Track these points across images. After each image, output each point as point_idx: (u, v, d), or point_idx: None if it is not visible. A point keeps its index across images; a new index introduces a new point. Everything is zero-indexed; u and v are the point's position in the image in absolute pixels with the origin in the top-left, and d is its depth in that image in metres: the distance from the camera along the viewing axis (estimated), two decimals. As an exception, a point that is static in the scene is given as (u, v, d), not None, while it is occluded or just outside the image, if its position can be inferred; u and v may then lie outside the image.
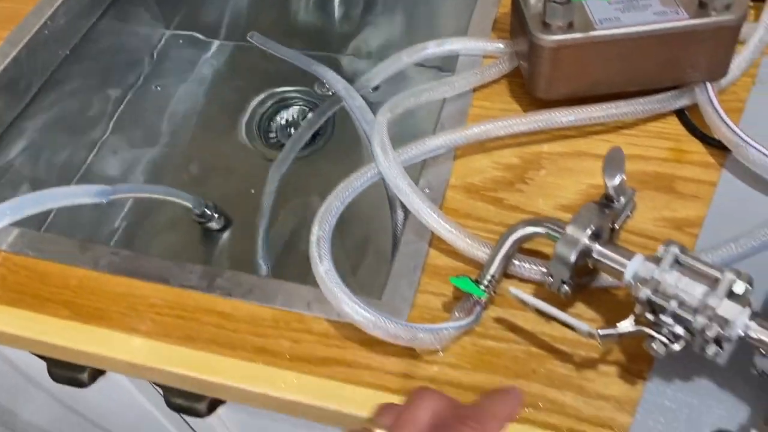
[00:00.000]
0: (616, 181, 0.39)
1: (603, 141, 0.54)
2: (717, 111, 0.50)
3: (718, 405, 0.40)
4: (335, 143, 0.80)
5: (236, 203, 0.74)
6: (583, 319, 0.45)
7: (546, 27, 0.50)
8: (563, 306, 0.45)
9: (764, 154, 0.47)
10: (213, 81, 0.87)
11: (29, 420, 0.87)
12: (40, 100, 0.70)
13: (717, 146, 0.51)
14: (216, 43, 0.90)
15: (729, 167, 0.50)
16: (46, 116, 0.71)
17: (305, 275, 0.46)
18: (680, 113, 0.54)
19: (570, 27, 0.50)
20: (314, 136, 0.79)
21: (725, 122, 0.49)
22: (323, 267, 0.44)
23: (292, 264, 0.70)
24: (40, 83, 0.70)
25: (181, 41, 0.90)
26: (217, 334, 0.47)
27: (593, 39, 0.49)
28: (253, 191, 0.74)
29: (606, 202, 0.41)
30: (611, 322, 0.40)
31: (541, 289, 0.46)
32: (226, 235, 0.73)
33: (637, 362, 0.42)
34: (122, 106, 0.82)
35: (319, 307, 0.47)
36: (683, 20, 0.48)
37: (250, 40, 0.76)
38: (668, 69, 0.51)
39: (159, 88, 0.85)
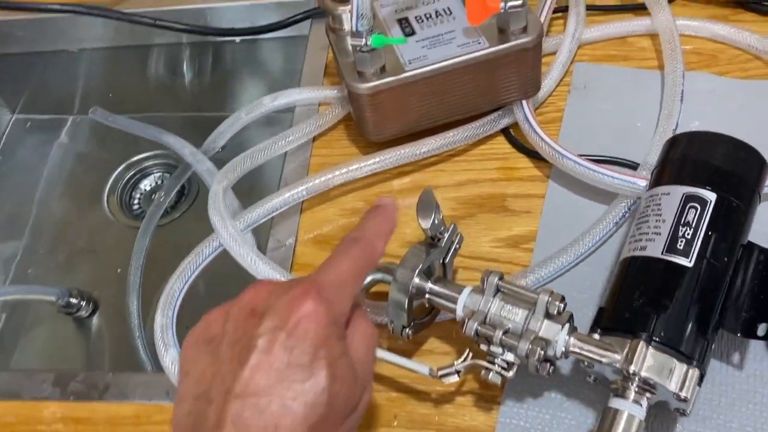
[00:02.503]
0: (429, 222, 0.41)
1: (439, 171, 0.56)
2: (533, 126, 0.53)
3: (568, 415, 0.42)
4: (202, 201, 0.79)
5: (106, 284, 0.72)
6: (436, 353, 0.46)
7: (361, 75, 0.51)
8: (417, 344, 0.47)
9: (577, 162, 0.50)
10: (69, 160, 0.84)
11: None
12: None
13: (541, 158, 0.54)
14: (68, 120, 0.87)
15: (554, 177, 0.53)
16: None
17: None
18: (506, 132, 0.57)
19: (383, 71, 0.51)
20: (179, 199, 0.79)
21: (540, 136, 0.52)
22: (169, 357, 0.43)
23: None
24: None
25: (29, 124, 0.87)
26: (78, 443, 0.45)
27: (405, 80, 0.51)
28: (119, 270, 0.72)
29: (431, 241, 0.43)
30: (462, 352, 0.41)
31: (394, 332, 0.47)
32: (99, 320, 0.71)
33: (490, 388, 0.44)
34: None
35: (179, 393, 0.46)
36: (485, 49, 0.51)
37: (92, 115, 0.74)
38: (484, 94, 0.54)
39: (12, 176, 0.82)
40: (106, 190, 0.80)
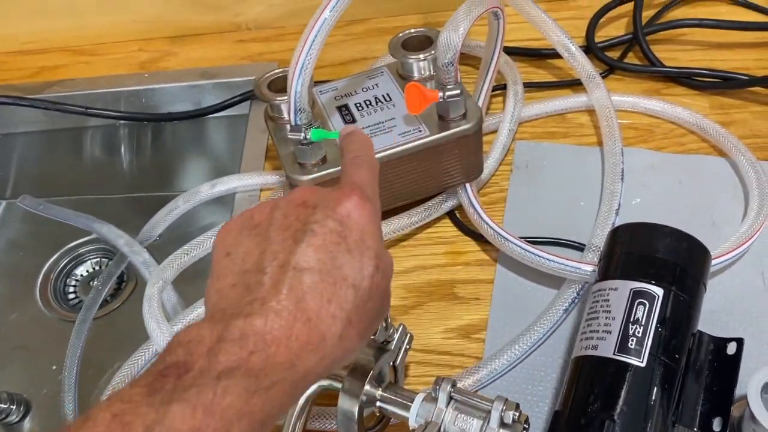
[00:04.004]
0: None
1: (386, 257, 0.54)
2: (477, 211, 0.52)
3: None
4: (143, 287, 0.76)
5: (39, 383, 0.68)
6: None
7: (302, 166, 0.50)
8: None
9: (522, 248, 0.49)
10: (1, 247, 0.80)
11: None
12: None
13: (488, 241, 0.53)
14: (2, 205, 0.83)
15: (502, 261, 0.53)
16: None
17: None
18: (452, 215, 0.56)
19: (324, 162, 0.50)
20: (118, 285, 0.75)
21: (485, 221, 0.51)
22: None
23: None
24: None
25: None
26: None
27: (347, 170, 0.50)
28: (54, 367, 0.68)
29: (381, 345, 0.41)
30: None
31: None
32: (31, 424, 0.66)
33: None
34: None
35: None
36: (425, 137, 0.50)
37: (21, 204, 0.70)
38: (427, 180, 0.53)
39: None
40: (40, 279, 0.76)
